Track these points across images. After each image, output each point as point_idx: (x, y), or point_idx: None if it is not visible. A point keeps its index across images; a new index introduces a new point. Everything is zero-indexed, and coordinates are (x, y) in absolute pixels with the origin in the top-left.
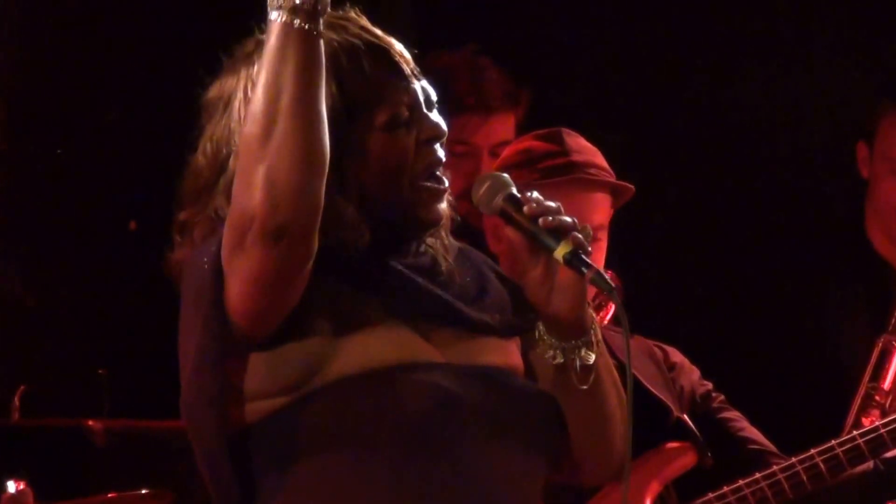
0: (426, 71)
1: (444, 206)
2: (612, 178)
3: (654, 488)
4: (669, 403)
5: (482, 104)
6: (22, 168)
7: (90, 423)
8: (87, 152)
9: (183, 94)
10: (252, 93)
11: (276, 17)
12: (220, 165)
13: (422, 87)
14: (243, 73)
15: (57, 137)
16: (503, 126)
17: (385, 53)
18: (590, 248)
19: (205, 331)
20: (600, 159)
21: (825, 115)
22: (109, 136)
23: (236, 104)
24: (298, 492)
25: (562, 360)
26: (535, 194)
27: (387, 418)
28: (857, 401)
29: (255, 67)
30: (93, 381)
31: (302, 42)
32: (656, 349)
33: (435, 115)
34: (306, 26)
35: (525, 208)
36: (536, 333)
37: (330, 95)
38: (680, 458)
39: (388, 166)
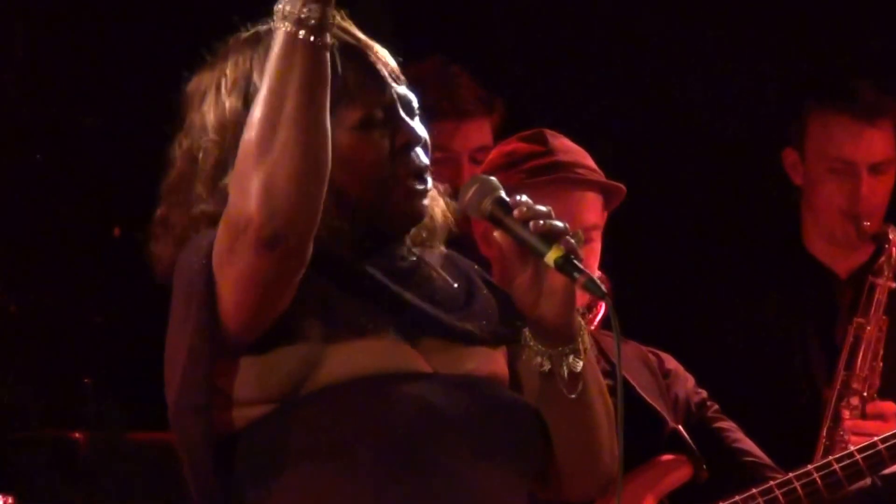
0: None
1: (427, 203)
2: (600, 177)
3: (649, 502)
4: (664, 414)
5: (456, 109)
6: (2, 174)
7: (76, 434)
8: (69, 158)
9: (167, 98)
10: (225, 87)
11: (281, 27)
12: (192, 158)
13: (401, 92)
14: (218, 68)
15: (37, 143)
16: (480, 131)
17: (360, 54)
18: (582, 254)
19: (195, 333)
20: (587, 159)
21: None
22: (91, 141)
23: (209, 98)
24: (281, 501)
25: (549, 368)
26: (525, 198)
27: (370, 429)
28: (835, 391)
29: (230, 62)
30: (77, 391)
31: (307, 53)
32: (650, 356)
33: (414, 122)
34: (312, 38)
35: (515, 212)
36: (522, 340)
37: None
38: (675, 472)
39: (362, 167)
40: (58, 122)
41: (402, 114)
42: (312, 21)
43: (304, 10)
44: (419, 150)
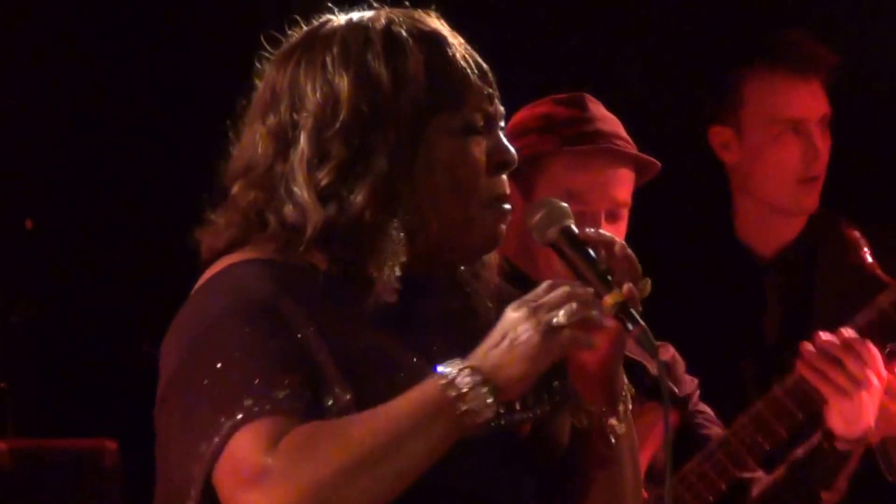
0: None
1: (503, 231)
2: (638, 153)
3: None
4: (645, 363)
5: None
6: None
7: None
8: None
9: (82, 82)
10: (332, 65)
11: (443, 391)
12: (281, 135)
13: (501, 108)
14: (319, 44)
15: None
16: None
17: (472, 54)
18: (640, 307)
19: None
20: (623, 131)
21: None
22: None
23: (307, 72)
24: None
25: (587, 425)
26: (594, 231)
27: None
28: None
29: (337, 42)
30: None
31: (450, 430)
32: None
33: (507, 140)
34: (464, 420)
35: (588, 248)
36: (562, 395)
37: (416, 83)
38: (659, 422)
39: (457, 179)
40: None
41: (499, 131)
42: (473, 407)
43: (472, 393)
44: (505, 176)
